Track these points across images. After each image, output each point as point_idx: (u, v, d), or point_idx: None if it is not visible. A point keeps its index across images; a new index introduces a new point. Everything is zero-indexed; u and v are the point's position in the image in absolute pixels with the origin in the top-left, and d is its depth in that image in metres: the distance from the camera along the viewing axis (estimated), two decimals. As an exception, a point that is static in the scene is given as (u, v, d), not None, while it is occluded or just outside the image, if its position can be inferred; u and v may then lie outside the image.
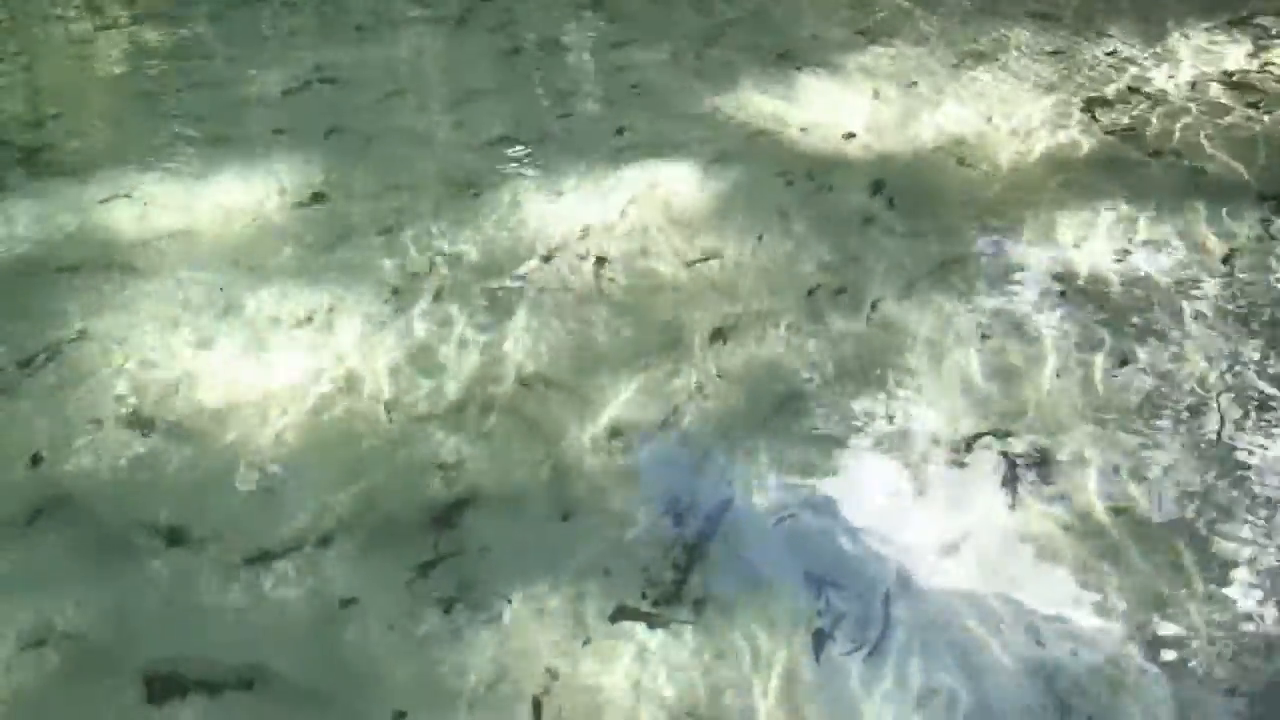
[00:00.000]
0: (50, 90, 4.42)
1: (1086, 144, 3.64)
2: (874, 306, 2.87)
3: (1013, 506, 2.27)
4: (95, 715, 1.92)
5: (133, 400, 2.60)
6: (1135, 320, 2.80)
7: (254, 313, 2.90)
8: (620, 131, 3.78)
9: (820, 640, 2.01)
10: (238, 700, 1.94)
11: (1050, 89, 4.01)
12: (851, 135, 3.69)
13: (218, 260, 3.13)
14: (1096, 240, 3.13)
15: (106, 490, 2.36)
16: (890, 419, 2.50)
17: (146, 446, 2.47)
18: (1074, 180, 3.43)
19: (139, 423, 2.53)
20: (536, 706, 1.92)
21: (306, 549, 2.21)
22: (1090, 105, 3.87)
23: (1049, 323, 2.80)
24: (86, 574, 2.17)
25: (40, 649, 2.03)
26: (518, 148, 3.69)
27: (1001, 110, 3.86)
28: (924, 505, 2.28)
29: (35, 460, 2.43)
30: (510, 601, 2.10)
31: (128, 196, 3.45)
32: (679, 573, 2.15)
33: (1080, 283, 2.95)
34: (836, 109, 3.89)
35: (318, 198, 3.43)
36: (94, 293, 2.99)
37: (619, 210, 3.31)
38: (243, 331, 2.83)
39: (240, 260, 3.12)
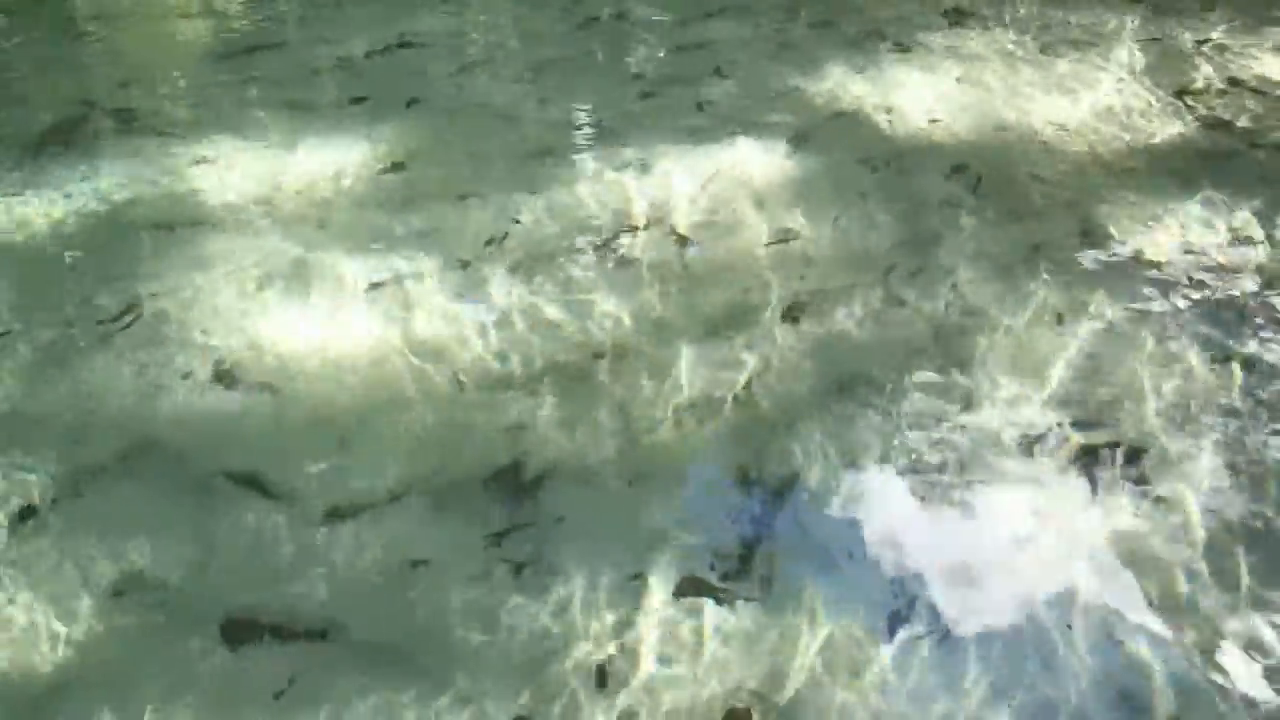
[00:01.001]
0: (136, 53, 4.52)
1: (1179, 134, 3.51)
2: (953, 289, 2.81)
3: (1092, 499, 2.21)
4: (175, 654, 1.97)
5: (216, 357, 2.66)
6: (1225, 313, 2.70)
7: (333, 276, 2.94)
8: (700, 107, 3.74)
9: (893, 624, 1.99)
10: (312, 650, 1.98)
11: (1144, 76, 3.87)
12: (936, 119, 3.61)
13: (299, 224, 3.18)
14: (1187, 232, 3.02)
15: (191, 442, 2.42)
16: (965, 403, 2.45)
17: (228, 401, 2.52)
18: (1165, 170, 3.31)
19: (222, 378, 2.59)
20: (601, 674, 1.93)
21: (379, 508, 2.25)
22: (1184, 94, 3.73)
23: (1135, 312, 2.71)
24: (170, 518, 2.24)
25: (125, 586, 2.09)
26: (596, 120, 3.68)
27: (1091, 97, 3.74)
28: (998, 492, 2.23)
29: (123, 409, 2.50)
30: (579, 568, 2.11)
31: (212, 159, 3.52)
32: (746, 548, 2.14)
33: (1170, 273, 2.85)
34: (921, 91, 3.80)
35: (398, 166, 3.46)
36: (180, 251, 3.06)
37: (697, 186, 3.28)
38: (322, 294, 2.88)
39: (321, 225, 3.17)
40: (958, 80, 3.87)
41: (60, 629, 2.01)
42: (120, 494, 2.30)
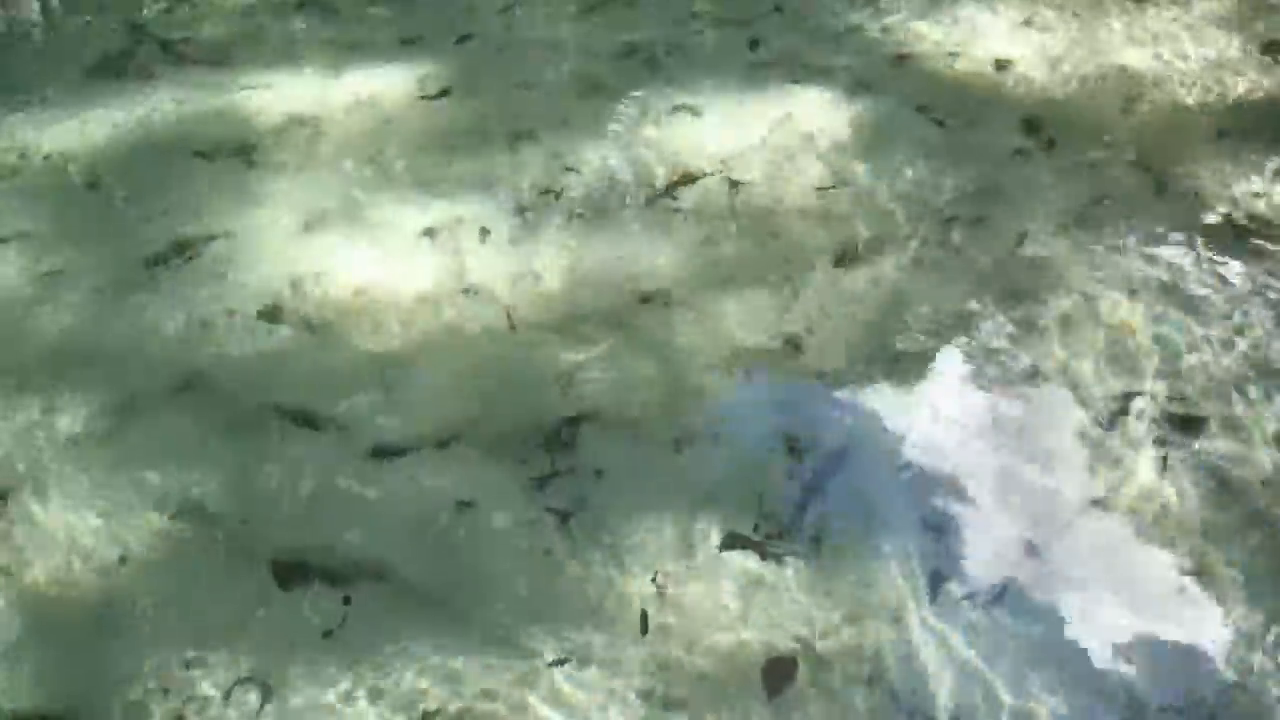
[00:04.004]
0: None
1: (1267, 91, 3.33)
2: (1019, 242, 2.72)
3: (1162, 472, 2.15)
4: (226, 592, 2.01)
5: (264, 291, 2.66)
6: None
7: (382, 214, 2.91)
8: (755, 47, 3.63)
9: (937, 583, 1.96)
10: (358, 589, 2.00)
11: (1232, 27, 3.67)
12: (1006, 64, 3.46)
13: (348, 156, 3.15)
14: (1271, 196, 2.88)
15: (240, 376, 2.44)
16: (1025, 363, 2.38)
17: (277, 337, 2.53)
18: (1248, 128, 3.15)
19: (270, 313, 2.59)
20: (644, 619, 1.93)
21: (426, 450, 2.25)
22: (1271, 48, 3.53)
23: (1209, 276, 2.61)
24: (220, 453, 2.26)
25: (175, 522, 2.13)
26: (648, 59, 3.59)
27: (1174, 47, 3.56)
28: (1061, 462, 2.18)
29: (171, 344, 2.52)
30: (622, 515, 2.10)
31: (262, 91, 3.48)
32: (795, 502, 2.12)
33: (1249, 237, 2.72)
34: (990, 34, 3.64)
35: (445, 93, 3.40)
36: (229, 182, 3.05)
37: (751, 131, 3.19)
38: (371, 232, 2.85)
39: (369, 160, 3.13)
40: (1028, 23, 3.71)
41: (108, 559, 2.05)
42: (168, 428, 2.33)
